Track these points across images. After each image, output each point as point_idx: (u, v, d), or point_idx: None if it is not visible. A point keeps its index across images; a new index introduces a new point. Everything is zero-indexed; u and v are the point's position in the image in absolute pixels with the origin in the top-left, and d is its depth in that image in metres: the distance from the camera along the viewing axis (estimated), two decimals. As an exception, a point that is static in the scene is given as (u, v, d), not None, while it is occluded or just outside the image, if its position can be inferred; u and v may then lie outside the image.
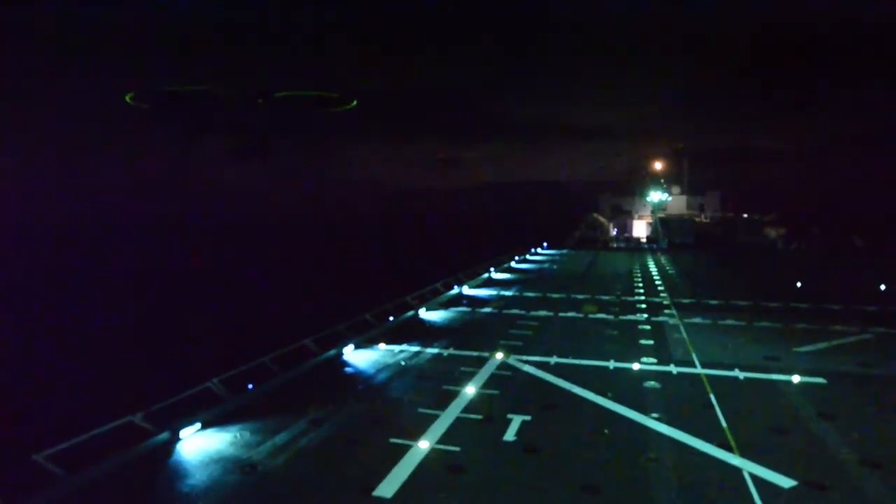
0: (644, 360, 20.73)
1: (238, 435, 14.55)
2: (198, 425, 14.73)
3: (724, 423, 14.93)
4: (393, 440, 14.02)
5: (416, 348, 22.79)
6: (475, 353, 21.63)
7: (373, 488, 11.80)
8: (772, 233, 77.37)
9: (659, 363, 20.39)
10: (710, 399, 16.78)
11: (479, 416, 15.57)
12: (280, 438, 14.34)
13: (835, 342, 23.29)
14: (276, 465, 13.02)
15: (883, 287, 36.63)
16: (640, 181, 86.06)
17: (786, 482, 11.89)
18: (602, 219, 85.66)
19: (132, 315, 55.99)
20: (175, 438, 14.13)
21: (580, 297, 34.40)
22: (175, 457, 13.46)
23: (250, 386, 17.31)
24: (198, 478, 12.43)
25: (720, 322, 27.18)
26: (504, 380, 18.73)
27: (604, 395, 17.08)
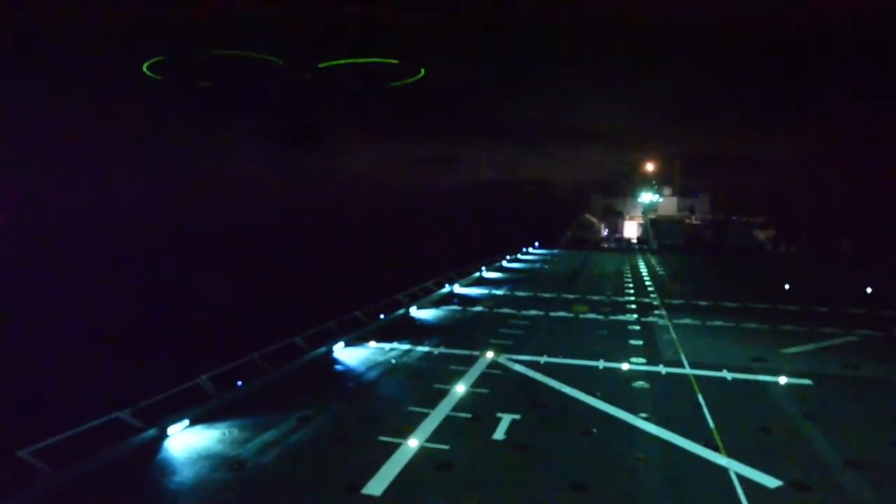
0: (633, 360, 20.85)
1: (226, 432, 14.48)
2: (186, 422, 14.64)
3: (711, 424, 15.06)
4: (382, 438, 14.01)
5: (406, 346, 22.78)
6: (465, 352, 21.65)
7: (361, 486, 11.79)
8: (761, 235, 78.07)
9: (648, 363, 20.51)
10: (698, 399, 16.91)
11: (469, 415, 15.60)
12: (269, 436, 14.28)
13: (821, 344, 23.54)
14: (264, 462, 12.97)
15: (869, 290, 37.08)
16: (631, 182, 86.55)
17: (771, 482, 12.01)
18: (593, 219, 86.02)
19: (124, 311, 55.56)
20: (163, 435, 14.04)
21: (571, 296, 34.53)
22: (162, 454, 13.37)
23: (239, 383, 17.24)
24: (185, 475, 12.35)
25: (709, 323, 27.39)
26: (494, 378, 18.77)
27: (593, 394, 17.16)
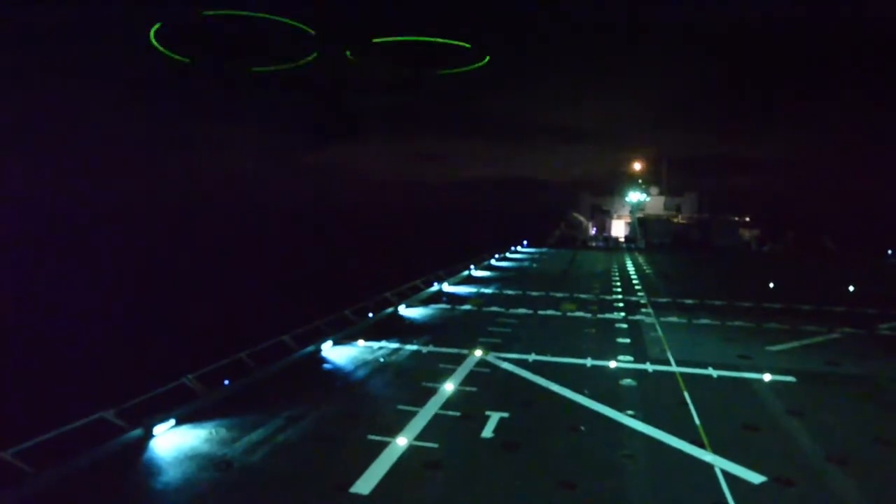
0: (621, 358, 20.99)
1: (213, 431, 14.37)
2: (172, 422, 14.50)
3: (697, 421, 15.21)
4: (371, 437, 13.99)
5: (395, 345, 22.75)
6: (454, 350, 21.67)
7: (350, 485, 11.76)
8: (746, 234, 78.96)
9: (635, 361, 20.67)
10: (684, 397, 17.07)
11: (458, 413, 15.62)
12: (256, 435, 14.20)
13: (805, 342, 23.86)
14: (252, 462, 12.89)
15: (851, 288, 37.62)
16: (619, 182, 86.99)
17: (756, 478, 12.16)
18: (582, 218, 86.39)
19: (112, 309, 54.88)
20: (148, 435, 13.90)
21: (559, 295, 34.68)
22: (148, 454, 13.24)
23: (226, 382, 17.11)
24: (171, 475, 12.24)
25: (695, 321, 27.64)
26: (483, 377, 18.81)
27: (581, 392, 17.26)
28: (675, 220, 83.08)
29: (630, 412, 15.70)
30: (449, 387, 17.61)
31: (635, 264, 52.18)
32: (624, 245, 74.96)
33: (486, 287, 38.03)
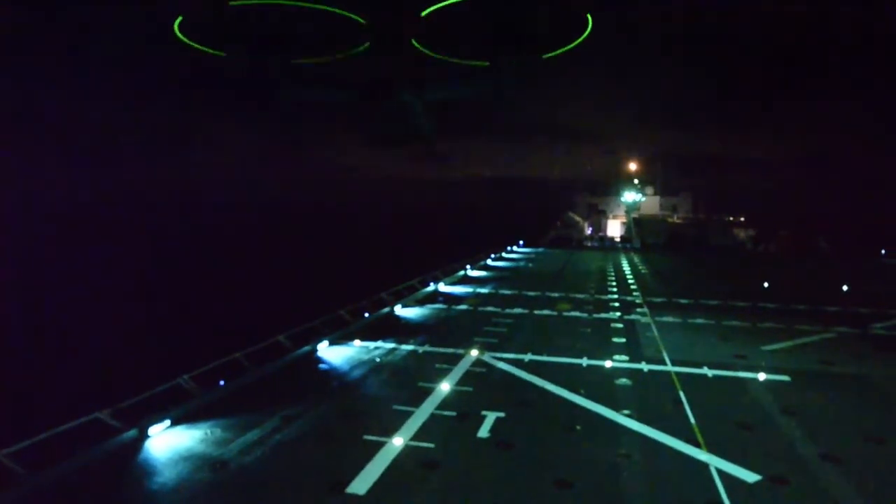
0: (616, 357, 21.05)
1: (209, 432, 14.34)
2: (167, 422, 14.48)
3: (692, 420, 15.27)
4: (367, 437, 13.99)
5: (391, 345, 22.74)
6: (450, 350, 21.69)
7: (346, 485, 11.77)
8: (741, 234, 79.36)
9: (631, 361, 20.73)
10: (679, 396, 17.14)
11: (454, 413, 15.63)
12: (252, 435, 14.18)
13: (799, 341, 23.98)
14: (247, 462, 12.87)
15: (845, 288, 37.83)
16: (615, 182, 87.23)
17: (750, 477, 12.23)
18: (578, 218, 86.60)
19: (108, 309, 54.66)
20: (143, 436, 13.87)
21: (555, 295, 34.74)
22: (143, 454, 13.20)
23: (222, 382, 17.07)
24: (167, 476, 12.21)
25: (690, 321, 27.74)
26: (479, 377, 18.83)
27: (577, 391, 17.31)
28: (671, 219, 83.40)
29: (626, 412, 15.75)
30: (445, 387, 17.63)
31: (631, 264, 52.31)
32: (619, 245, 75.14)
33: (482, 287, 38.05)
